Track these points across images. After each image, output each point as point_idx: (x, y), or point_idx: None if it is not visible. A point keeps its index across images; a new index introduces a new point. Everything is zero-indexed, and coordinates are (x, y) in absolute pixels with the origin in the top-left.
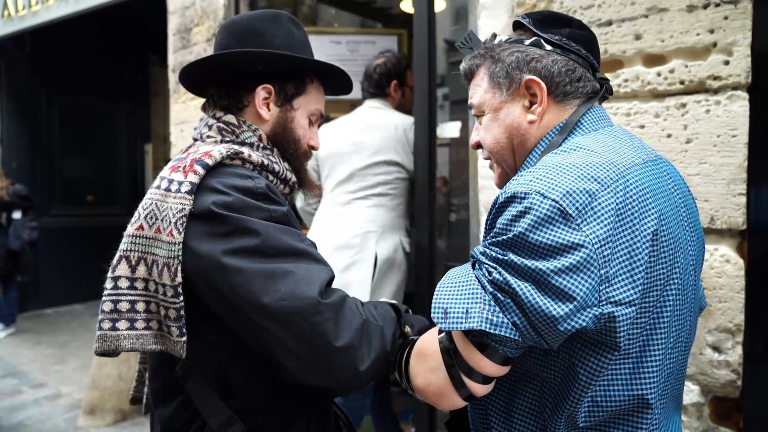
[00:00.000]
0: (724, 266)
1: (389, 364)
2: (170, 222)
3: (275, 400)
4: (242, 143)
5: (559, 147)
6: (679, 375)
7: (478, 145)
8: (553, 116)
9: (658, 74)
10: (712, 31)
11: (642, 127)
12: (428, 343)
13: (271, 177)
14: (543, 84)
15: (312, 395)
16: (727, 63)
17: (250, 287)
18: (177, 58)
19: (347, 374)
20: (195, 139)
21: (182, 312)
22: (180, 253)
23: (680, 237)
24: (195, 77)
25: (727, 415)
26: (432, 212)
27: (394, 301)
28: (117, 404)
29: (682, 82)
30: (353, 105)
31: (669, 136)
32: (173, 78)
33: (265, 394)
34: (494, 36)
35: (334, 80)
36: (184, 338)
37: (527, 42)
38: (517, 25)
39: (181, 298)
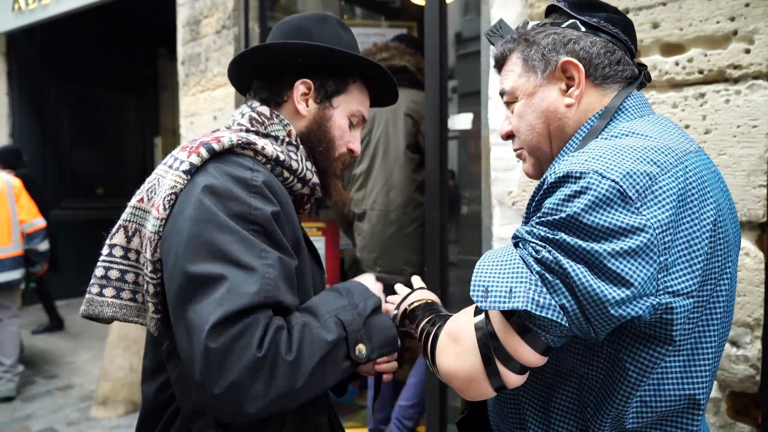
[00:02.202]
0: (743, 259)
1: (314, 396)
2: (161, 197)
3: None
4: (267, 135)
5: (607, 132)
6: (716, 372)
7: (509, 136)
8: (593, 100)
9: (676, 63)
10: (732, 19)
11: None
12: (461, 326)
13: (286, 173)
14: (581, 65)
15: None
16: (748, 51)
17: (176, 285)
18: (186, 50)
19: (230, 415)
20: (227, 127)
21: (159, 288)
22: (161, 228)
23: (730, 230)
24: (240, 71)
25: (745, 411)
26: (444, 207)
27: (368, 302)
28: (128, 395)
29: (700, 72)
30: None
31: (687, 126)
32: (182, 70)
33: None
34: (526, 22)
35: (378, 85)
36: (159, 315)
37: (564, 24)
38: (551, 10)
39: (159, 274)
